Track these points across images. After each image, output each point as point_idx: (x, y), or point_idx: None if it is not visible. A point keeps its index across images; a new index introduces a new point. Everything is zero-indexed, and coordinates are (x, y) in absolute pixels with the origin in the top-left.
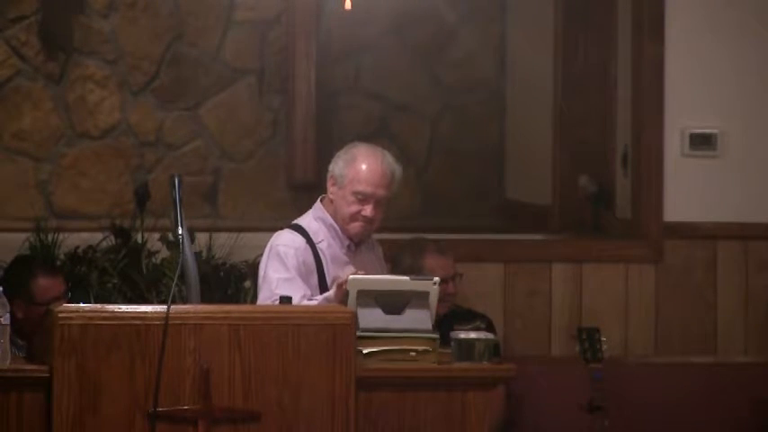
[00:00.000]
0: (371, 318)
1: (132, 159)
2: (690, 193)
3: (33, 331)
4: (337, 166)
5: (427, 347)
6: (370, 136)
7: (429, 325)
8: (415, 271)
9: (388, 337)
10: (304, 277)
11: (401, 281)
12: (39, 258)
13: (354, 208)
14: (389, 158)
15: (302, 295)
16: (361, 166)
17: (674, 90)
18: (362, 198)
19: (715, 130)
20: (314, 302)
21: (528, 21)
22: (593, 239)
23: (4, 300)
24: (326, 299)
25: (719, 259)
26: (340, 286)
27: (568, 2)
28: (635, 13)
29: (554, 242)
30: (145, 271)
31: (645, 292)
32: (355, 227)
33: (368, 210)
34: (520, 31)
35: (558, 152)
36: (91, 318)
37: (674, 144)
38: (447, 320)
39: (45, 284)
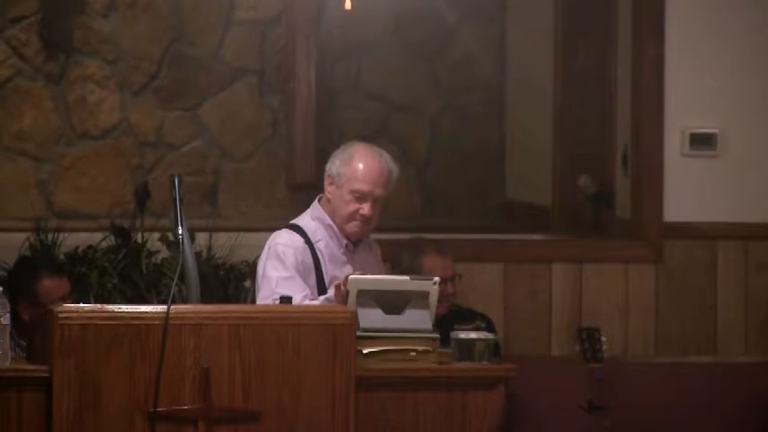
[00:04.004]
0: (371, 318)
1: (132, 159)
2: (690, 193)
3: (36, 331)
4: (334, 166)
5: (427, 347)
6: (370, 136)
7: (429, 325)
8: (414, 271)
9: (388, 337)
10: (303, 276)
11: (401, 281)
12: (44, 259)
13: (352, 207)
14: (386, 157)
15: (303, 295)
16: (358, 165)
17: (674, 90)
18: (360, 196)
19: (715, 130)
20: (315, 303)
21: (528, 21)
22: (593, 239)
23: (5, 300)
24: (327, 299)
25: (719, 259)
26: (338, 288)
27: (568, 2)
28: (635, 13)
29: (554, 242)
30: (145, 271)
31: (645, 292)
32: (353, 226)
33: (365, 208)
34: (520, 31)
35: (558, 152)
36: (91, 318)
37: (674, 144)
38: (447, 320)
39: (49, 286)
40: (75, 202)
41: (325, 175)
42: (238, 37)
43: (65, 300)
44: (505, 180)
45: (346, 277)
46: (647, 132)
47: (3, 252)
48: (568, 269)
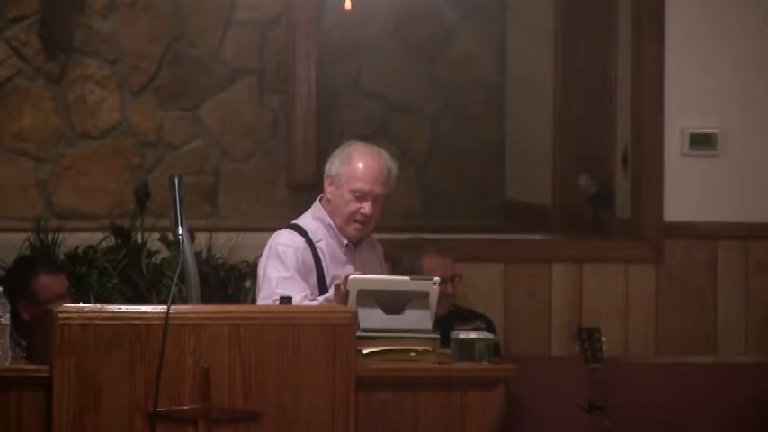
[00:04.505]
0: (371, 318)
1: (132, 159)
2: (690, 193)
3: (36, 331)
4: (333, 166)
5: (427, 347)
6: (370, 136)
7: (429, 325)
8: (413, 271)
9: (388, 337)
10: (303, 276)
11: (401, 281)
12: (41, 256)
13: (352, 206)
14: (386, 156)
15: (303, 295)
16: (357, 165)
17: (674, 90)
18: (360, 196)
19: (715, 130)
20: (315, 303)
21: (528, 21)
22: (593, 239)
23: (5, 300)
24: (327, 299)
25: (719, 259)
26: (337, 287)
27: (568, 2)
28: (635, 13)
29: (554, 242)
30: (145, 271)
31: (645, 292)
32: (352, 229)
33: (366, 207)
34: (520, 31)
35: (558, 152)
36: (91, 318)
37: (674, 144)
38: (447, 320)
39: (47, 283)
40: (75, 202)
41: (325, 175)
42: (238, 37)
43: (63, 297)
44: (505, 180)
45: (346, 277)
46: (647, 132)
47: (3, 252)
48: (568, 269)
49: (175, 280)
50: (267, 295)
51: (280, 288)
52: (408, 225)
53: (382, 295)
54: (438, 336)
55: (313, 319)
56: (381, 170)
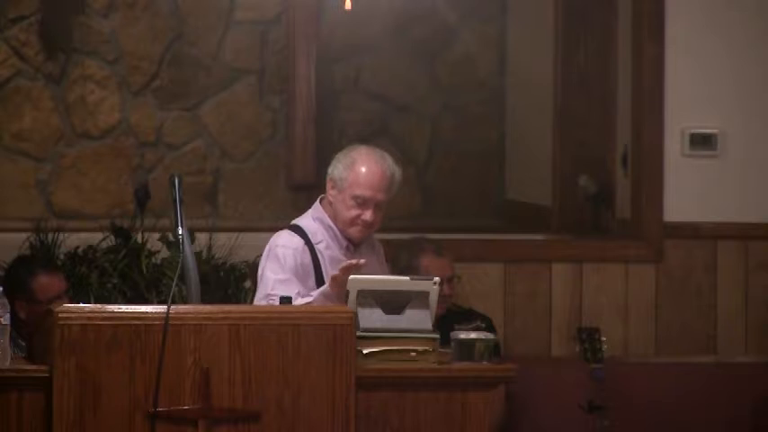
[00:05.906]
0: (371, 318)
1: (132, 159)
2: (690, 193)
3: (35, 331)
4: (336, 170)
5: (427, 347)
6: (371, 136)
7: (429, 325)
8: (412, 271)
9: (388, 337)
10: (301, 278)
11: (401, 281)
12: (38, 256)
13: (354, 212)
14: (389, 161)
15: (297, 293)
16: (360, 170)
17: (674, 90)
18: (362, 202)
19: (715, 130)
20: (309, 298)
21: (528, 21)
22: (593, 239)
23: (5, 300)
24: (323, 293)
25: (719, 259)
26: (334, 279)
27: (568, 2)
28: (635, 13)
29: (554, 242)
30: (145, 271)
31: (645, 292)
32: (355, 231)
33: (367, 214)
34: (520, 31)
35: (558, 152)
36: (91, 318)
37: (674, 144)
38: (447, 321)
39: (45, 282)
40: (75, 202)
41: (327, 177)
42: (238, 37)
43: (61, 297)
44: (505, 180)
45: (343, 267)
46: (647, 132)
47: (3, 252)
48: (568, 269)
49: (175, 280)
50: (262, 296)
51: (275, 290)
52: (408, 225)
53: (382, 295)
54: (438, 336)
55: (313, 319)
56: (384, 176)
